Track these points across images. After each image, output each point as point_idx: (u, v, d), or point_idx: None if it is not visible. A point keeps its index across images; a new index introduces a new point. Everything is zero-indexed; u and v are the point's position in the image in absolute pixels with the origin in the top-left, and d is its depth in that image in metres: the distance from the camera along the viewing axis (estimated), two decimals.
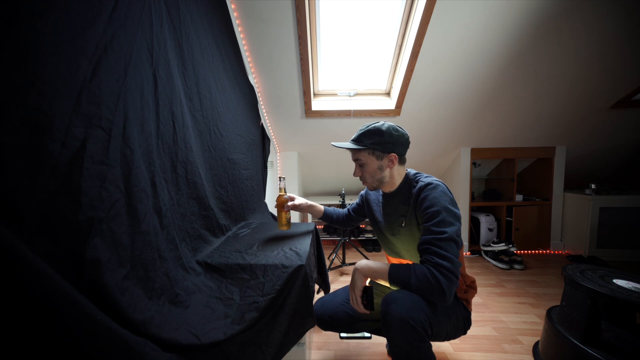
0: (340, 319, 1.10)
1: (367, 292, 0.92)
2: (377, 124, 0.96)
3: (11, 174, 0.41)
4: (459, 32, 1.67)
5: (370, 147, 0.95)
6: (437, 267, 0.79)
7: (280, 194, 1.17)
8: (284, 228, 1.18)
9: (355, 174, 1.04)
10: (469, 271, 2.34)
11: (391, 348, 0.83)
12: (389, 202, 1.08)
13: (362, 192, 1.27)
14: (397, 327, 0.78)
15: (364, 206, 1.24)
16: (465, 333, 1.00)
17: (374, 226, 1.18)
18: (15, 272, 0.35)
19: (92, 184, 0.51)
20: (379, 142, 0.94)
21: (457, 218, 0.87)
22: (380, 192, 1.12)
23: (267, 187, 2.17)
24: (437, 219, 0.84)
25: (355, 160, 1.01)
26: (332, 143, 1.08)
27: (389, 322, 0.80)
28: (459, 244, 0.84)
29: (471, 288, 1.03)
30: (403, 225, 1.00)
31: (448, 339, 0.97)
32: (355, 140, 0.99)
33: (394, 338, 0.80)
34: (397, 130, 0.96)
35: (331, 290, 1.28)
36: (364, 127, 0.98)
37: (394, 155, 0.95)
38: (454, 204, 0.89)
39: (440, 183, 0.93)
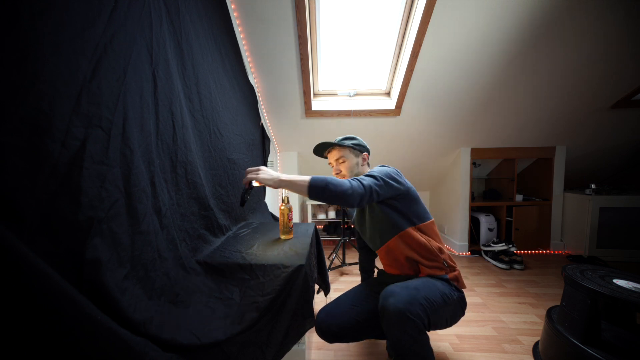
0: (348, 327, 1.06)
1: (247, 191, 0.97)
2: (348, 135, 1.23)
3: (11, 174, 0.41)
4: (459, 32, 1.67)
5: (351, 146, 1.18)
6: (358, 179, 0.97)
7: (283, 203, 1.17)
8: (287, 237, 1.18)
9: (334, 172, 1.21)
10: (468, 271, 2.35)
11: (391, 342, 0.84)
12: None
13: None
14: (396, 321, 0.81)
15: (353, 222, 1.35)
16: (463, 314, 1.05)
17: (359, 230, 1.28)
18: (15, 272, 0.35)
19: (92, 184, 0.52)
20: (356, 144, 1.19)
21: (389, 177, 1.03)
22: None
23: (267, 188, 2.17)
24: (369, 173, 1.04)
25: (337, 158, 1.19)
26: (320, 142, 1.21)
27: (387, 316, 0.82)
28: (385, 181, 1.01)
29: (455, 266, 1.08)
30: (375, 208, 1.10)
31: (449, 325, 1.02)
32: (340, 142, 1.19)
33: (393, 331, 0.82)
34: (362, 140, 1.24)
35: (331, 291, 1.28)
36: (340, 137, 1.22)
37: (366, 154, 1.22)
38: (390, 176, 1.04)
39: (385, 166, 1.11)
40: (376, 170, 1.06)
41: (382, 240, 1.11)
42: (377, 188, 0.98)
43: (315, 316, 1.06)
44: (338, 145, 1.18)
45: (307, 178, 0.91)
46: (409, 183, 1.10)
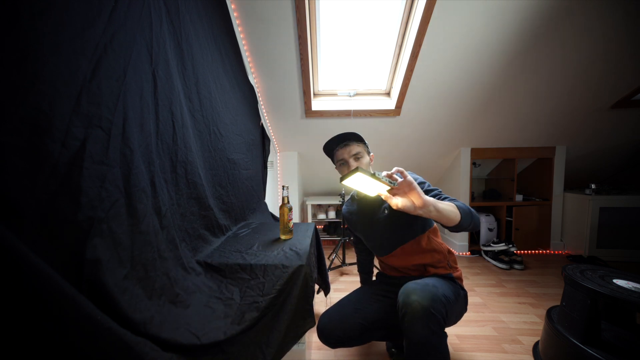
0: (352, 332, 1.04)
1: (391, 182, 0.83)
2: None
3: (11, 174, 0.41)
4: (459, 32, 1.67)
5: (366, 144, 1.13)
6: (453, 199, 0.96)
7: (283, 203, 1.17)
8: (287, 237, 1.18)
9: (352, 168, 1.08)
10: (468, 271, 2.35)
11: (411, 338, 0.84)
12: (363, 203, 1.17)
13: (344, 220, 1.33)
14: (420, 316, 0.81)
15: (352, 228, 1.28)
16: (466, 310, 1.10)
17: (363, 235, 1.22)
18: (15, 272, 0.35)
19: (92, 184, 0.51)
20: (366, 144, 1.14)
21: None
22: (353, 205, 1.24)
23: (267, 187, 2.17)
24: (435, 191, 1.00)
25: (355, 154, 1.09)
26: (345, 132, 1.10)
27: (411, 312, 0.83)
28: None
29: (457, 267, 1.13)
30: (386, 211, 1.08)
31: (456, 322, 1.07)
32: (356, 137, 1.12)
33: (416, 327, 0.82)
34: None
35: (331, 291, 1.28)
36: (350, 132, 1.11)
37: (372, 155, 1.16)
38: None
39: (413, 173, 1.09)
40: (421, 179, 1.03)
41: (396, 244, 1.09)
42: None
43: (315, 317, 1.06)
44: (357, 140, 1.10)
45: (452, 205, 0.89)
46: None
